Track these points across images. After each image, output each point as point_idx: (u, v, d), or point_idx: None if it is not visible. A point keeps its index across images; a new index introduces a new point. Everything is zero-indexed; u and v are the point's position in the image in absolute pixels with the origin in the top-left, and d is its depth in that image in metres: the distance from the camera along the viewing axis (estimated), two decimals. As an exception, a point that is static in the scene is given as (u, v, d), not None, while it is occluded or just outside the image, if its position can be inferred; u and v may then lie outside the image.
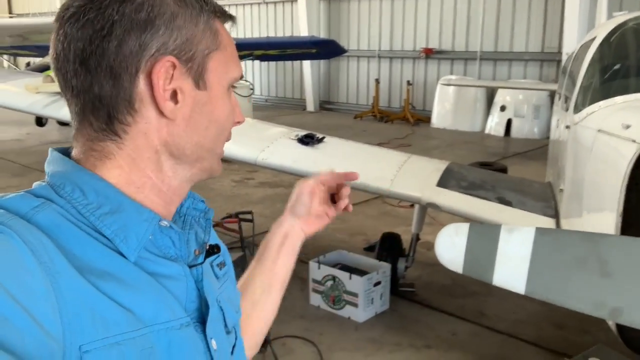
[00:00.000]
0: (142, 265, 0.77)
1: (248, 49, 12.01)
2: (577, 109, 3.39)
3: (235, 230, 5.18)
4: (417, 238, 4.79)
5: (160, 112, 0.78)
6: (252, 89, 12.68)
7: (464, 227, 1.18)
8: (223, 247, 1.05)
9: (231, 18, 0.89)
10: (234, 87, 0.88)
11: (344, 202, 1.19)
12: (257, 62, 15.96)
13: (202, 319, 0.83)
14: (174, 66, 0.77)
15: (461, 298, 4.64)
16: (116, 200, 0.77)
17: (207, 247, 0.89)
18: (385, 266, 4.50)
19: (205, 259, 0.87)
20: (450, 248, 1.16)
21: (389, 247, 4.80)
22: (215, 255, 0.95)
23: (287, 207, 1.20)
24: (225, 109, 0.86)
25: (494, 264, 1.15)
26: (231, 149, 4.69)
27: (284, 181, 8.12)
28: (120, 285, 0.72)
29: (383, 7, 15.17)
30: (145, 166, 0.80)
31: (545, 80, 12.44)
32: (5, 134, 12.69)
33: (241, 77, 0.89)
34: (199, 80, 0.81)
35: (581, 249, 1.12)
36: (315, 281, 4.46)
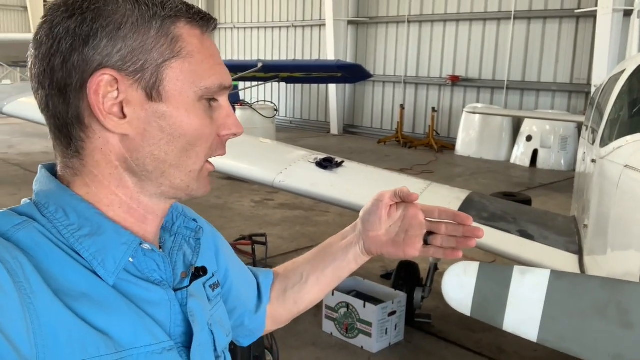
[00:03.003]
0: (122, 288, 0.75)
1: (274, 71, 12.07)
2: (604, 142, 3.28)
3: (248, 252, 5.12)
4: (435, 268, 4.68)
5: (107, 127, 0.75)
6: (276, 110, 12.75)
7: (474, 266, 1.11)
8: (223, 265, 1.03)
9: (205, 21, 0.80)
10: (214, 99, 0.81)
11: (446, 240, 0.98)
12: (282, 84, 16.06)
13: (189, 344, 0.81)
14: (115, 79, 0.73)
15: (479, 332, 4.50)
16: (96, 222, 0.76)
17: (193, 270, 0.86)
18: (401, 295, 4.39)
19: (191, 281, 0.84)
20: (458, 288, 1.09)
21: (405, 276, 4.69)
22: (209, 276, 0.93)
23: (360, 214, 1.08)
24: (194, 122, 0.78)
25: (504, 308, 1.07)
26: (248, 169, 4.62)
27: (304, 203, 8.07)
28: (98, 307, 0.71)
29: (410, 33, 15.20)
30: (109, 183, 0.78)
31: (574, 112, 12.25)
32: (34, 146, 12.94)
33: (227, 87, 0.81)
34: (153, 92, 0.75)
35: (600, 296, 1.04)
36: (328, 308, 4.37)
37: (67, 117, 0.76)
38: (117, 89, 0.74)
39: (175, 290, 0.82)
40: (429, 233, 1.01)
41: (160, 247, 0.86)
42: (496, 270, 1.10)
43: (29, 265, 0.68)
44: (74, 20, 0.73)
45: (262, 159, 4.23)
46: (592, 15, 11.57)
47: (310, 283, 1.11)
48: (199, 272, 0.87)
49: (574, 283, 1.05)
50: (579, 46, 12.46)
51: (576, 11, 12.15)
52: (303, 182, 4.05)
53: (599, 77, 10.50)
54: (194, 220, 0.91)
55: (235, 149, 5.28)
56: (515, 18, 13.21)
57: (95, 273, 0.74)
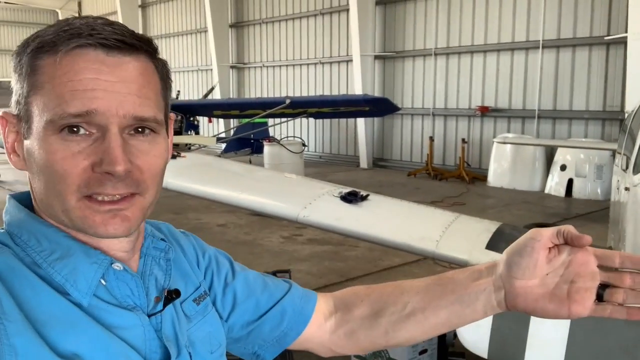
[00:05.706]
0: (95, 314, 0.74)
1: (302, 107, 12.19)
2: (637, 169, 3.16)
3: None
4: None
5: None
6: (304, 145, 12.79)
7: (489, 304, 1.03)
8: (225, 264, 0.99)
9: (66, 40, 0.72)
10: (72, 128, 0.72)
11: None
12: (312, 119, 16.19)
13: None
14: (7, 120, 0.79)
15: (515, 370, 4.32)
16: (65, 245, 0.76)
17: (166, 293, 0.83)
18: (432, 332, 4.25)
19: (165, 306, 0.82)
20: (474, 328, 1.02)
21: (436, 312, 4.56)
22: (192, 290, 0.90)
23: (504, 254, 0.85)
24: (44, 157, 0.73)
25: (524, 349, 1.00)
26: (273, 205, 4.58)
27: (333, 238, 8.00)
28: (69, 330, 0.71)
29: (438, 65, 15.21)
30: (45, 215, 0.79)
31: (608, 140, 11.97)
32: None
33: (80, 114, 0.71)
34: (27, 129, 0.76)
35: (626, 335, 0.96)
36: (357, 345, 4.26)
37: None
38: (15, 130, 0.79)
39: (149, 315, 0.80)
40: (604, 286, 0.79)
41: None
42: (513, 308, 1.03)
43: (1, 288, 0.69)
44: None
45: (287, 194, 4.21)
46: (623, 42, 11.40)
47: (415, 318, 0.91)
48: (172, 295, 0.84)
49: (598, 321, 0.97)
50: (610, 73, 12.26)
51: (606, 38, 12.00)
52: (328, 216, 4.00)
53: (632, 104, 10.27)
54: (162, 239, 0.89)
55: (258, 184, 5.25)
56: (543, 47, 13.11)
57: (69, 299, 0.73)
